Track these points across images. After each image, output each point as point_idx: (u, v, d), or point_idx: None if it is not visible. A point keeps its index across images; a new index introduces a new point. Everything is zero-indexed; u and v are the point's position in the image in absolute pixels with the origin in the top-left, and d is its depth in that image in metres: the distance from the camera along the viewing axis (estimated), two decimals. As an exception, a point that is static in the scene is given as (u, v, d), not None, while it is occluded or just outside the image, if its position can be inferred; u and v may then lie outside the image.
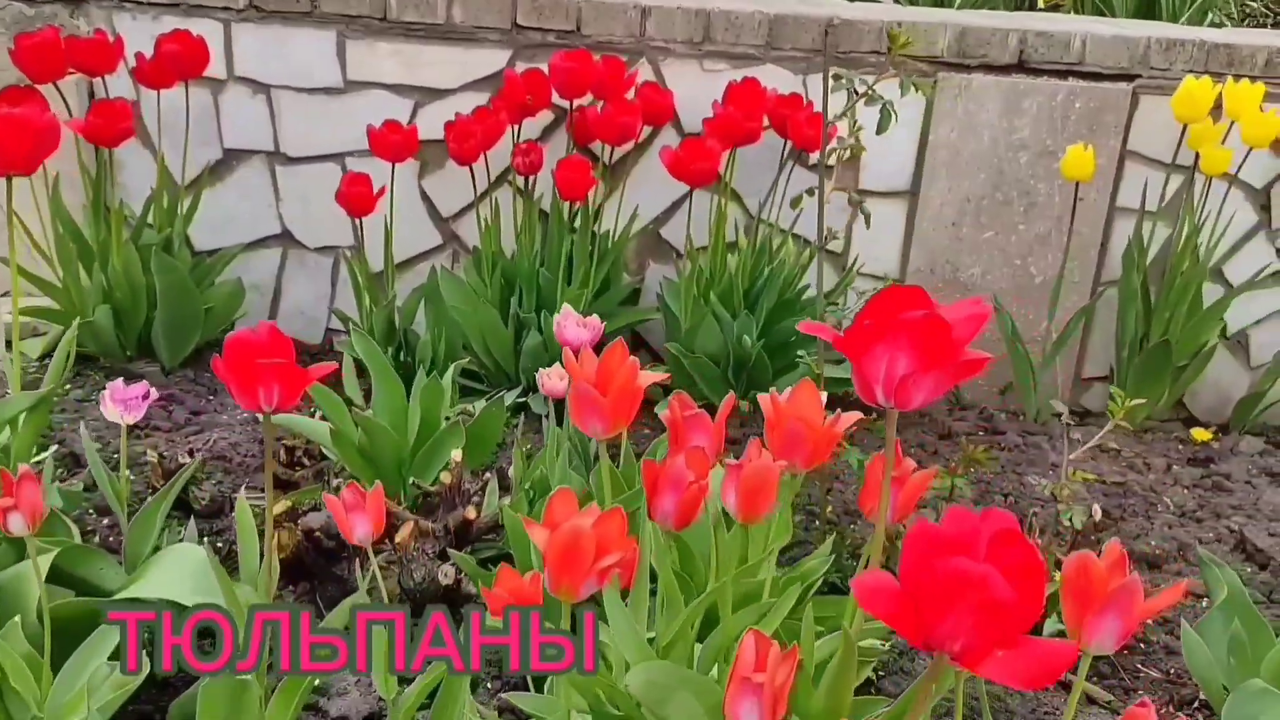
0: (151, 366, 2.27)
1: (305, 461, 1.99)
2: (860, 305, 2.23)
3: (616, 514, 0.87)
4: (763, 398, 1.06)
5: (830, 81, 1.91)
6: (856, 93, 1.79)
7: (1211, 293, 2.55)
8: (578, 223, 2.36)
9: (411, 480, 1.74)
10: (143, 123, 2.43)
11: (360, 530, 1.07)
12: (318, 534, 1.57)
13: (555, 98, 2.34)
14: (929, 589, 0.67)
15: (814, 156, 2.51)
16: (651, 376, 1.03)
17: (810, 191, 2.05)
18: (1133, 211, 2.52)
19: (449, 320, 2.29)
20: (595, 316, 1.50)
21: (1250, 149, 2.35)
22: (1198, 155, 2.39)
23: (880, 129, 1.86)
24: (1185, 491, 2.21)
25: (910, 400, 0.84)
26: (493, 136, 2.22)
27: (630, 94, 2.30)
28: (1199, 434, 2.46)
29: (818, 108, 2.42)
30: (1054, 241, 2.53)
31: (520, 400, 2.28)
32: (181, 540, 1.39)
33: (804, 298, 2.40)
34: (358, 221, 2.35)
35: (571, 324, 1.45)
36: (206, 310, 2.28)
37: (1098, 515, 1.64)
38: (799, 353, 2.34)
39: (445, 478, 1.53)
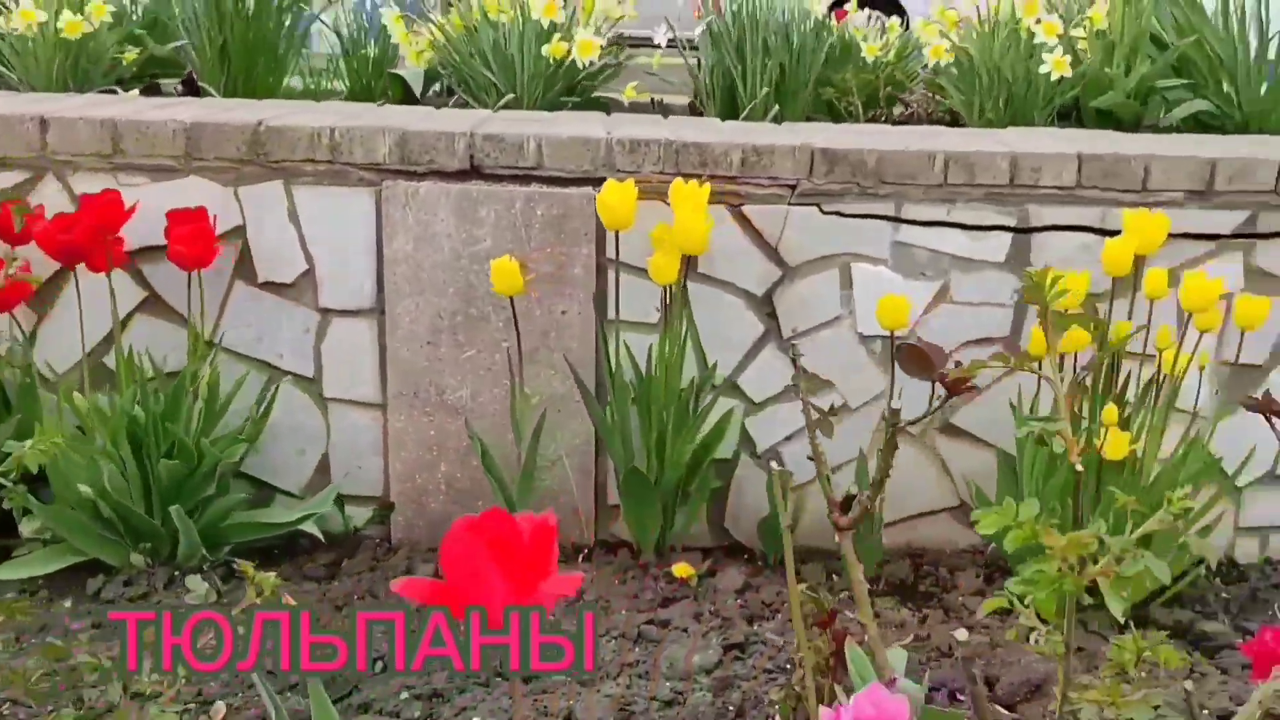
0: None
1: None
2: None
3: None
4: None
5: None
6: None
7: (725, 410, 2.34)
8: None
9: None
10: None
11: None
12: None
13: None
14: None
15: (261, 274, 2.30)
16: None
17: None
18: (626, 324, 2.31)
19: None
20: None
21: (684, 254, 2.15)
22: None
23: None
24: (612, 644, 1.96)
25: None
26: None
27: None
28: (680, 569, 2.22)
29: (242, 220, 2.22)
30: (543, 358, 2.32)
31: None
32: None
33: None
34: None
35: None
36: None
37: (219, 714, 1.38)
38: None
39: None
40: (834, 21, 3.44)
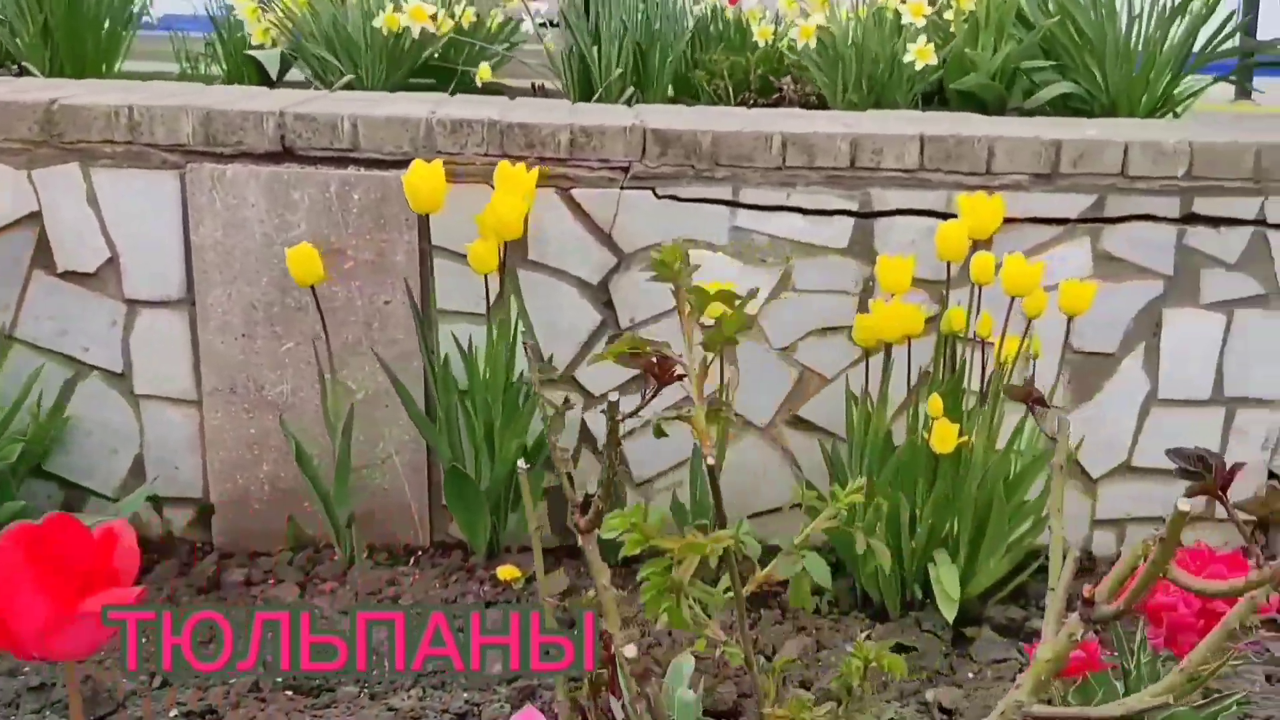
0: None
1: None
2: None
3: None
4: None
5: None
6: None
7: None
8: None
9: None
10: None
11: None
12: None
13: None
14: None
15: (61, 263, 2.16)
16: None
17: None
18: (457, 315, 2.21)
19: None
20: None
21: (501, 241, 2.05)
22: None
23: None
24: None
25: None
26: None
27: None
28: (505, 572, 2.10)
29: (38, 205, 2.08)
30: (367, 350, 2.20)
31: None
32: None
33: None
34: None
35: None
36: None
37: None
38: None
39: None
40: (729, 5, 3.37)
